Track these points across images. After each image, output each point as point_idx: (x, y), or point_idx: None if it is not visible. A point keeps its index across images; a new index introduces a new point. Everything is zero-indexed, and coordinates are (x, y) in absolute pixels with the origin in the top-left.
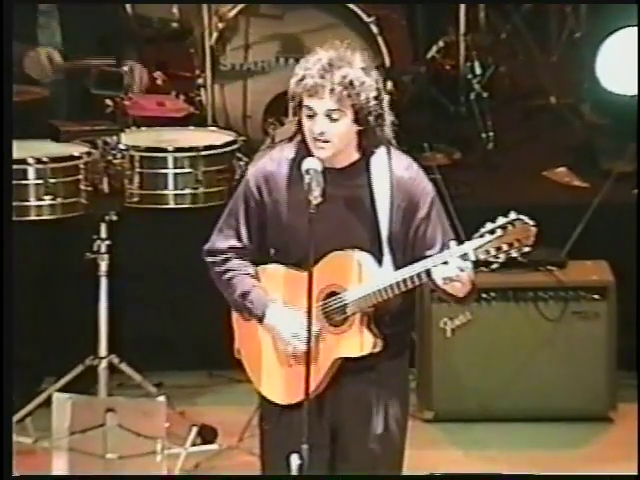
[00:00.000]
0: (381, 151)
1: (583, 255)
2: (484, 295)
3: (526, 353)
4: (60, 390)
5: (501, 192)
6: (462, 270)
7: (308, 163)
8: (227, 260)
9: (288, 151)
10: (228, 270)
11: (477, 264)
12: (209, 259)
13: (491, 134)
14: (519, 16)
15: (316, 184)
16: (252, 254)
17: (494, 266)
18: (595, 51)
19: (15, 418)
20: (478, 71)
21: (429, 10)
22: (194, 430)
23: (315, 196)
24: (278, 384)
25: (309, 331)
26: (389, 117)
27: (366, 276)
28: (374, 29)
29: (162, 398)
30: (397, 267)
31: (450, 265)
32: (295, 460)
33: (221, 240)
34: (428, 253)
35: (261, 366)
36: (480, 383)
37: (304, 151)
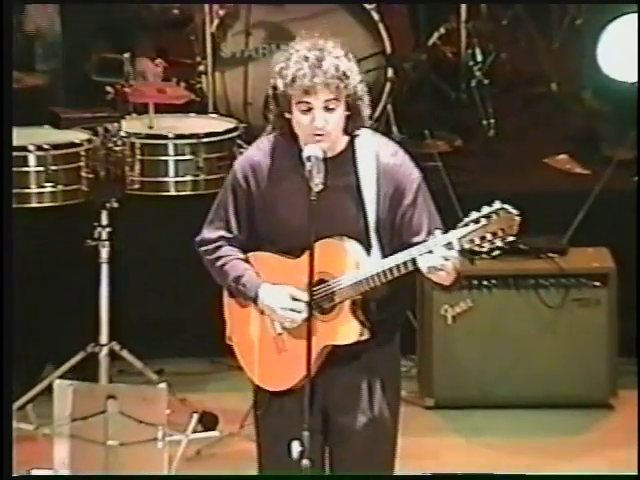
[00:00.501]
0: (365, 136)
1: (584, 242)
2: (485, 282)
3: (527, 340)
4: (61, 377)
5: (502, 179)
6: (447, 259)
7: (309, 150)
8: (218, 248)
9: (275, 141)
10: (220, 257)
11: (462, 253)
12: (201, 249)
13: (492, 121)
14: (520, 3)
15: (317, 171)
16: (242, 243)
17: (495, 253)
18: (596, 38)
19: (16, 405)
20: (479, 58)
21: None
22: (195, 417)
23: (316, 183)
24: (268, 371)
25: (309, 318)
26: (367, 97)
27: (354, 264)
28: (375, 16)
29: (163, 385)
30: (385, 254)
31: (435, 254)
32: (296, 447)
33: (211, 231)
34: (414, 240)
35: (252, 353)
36: (481, 370)
37: (289, 141)
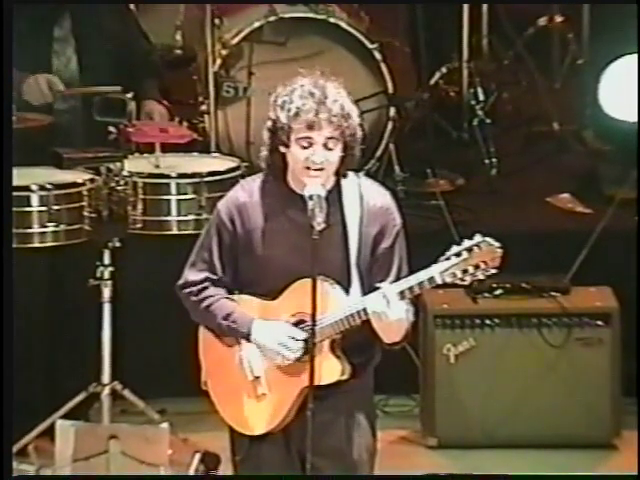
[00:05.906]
0: (352, 177)
1: (587, 281)
2: (487, 321)
3: (530, 379)
4: (63, 417)
5: (504, 218)
6: (388, 305)
7: (311, 189)
8: (204, 289)
9: (261, 182)
10: (206, 298)
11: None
12: (185, 291)
13: (494, 160)
14: (522, 42)
15: (319, 210)
16: (226, 285)
17: (497, 292)
18: (598, 77)
19: (17, 446)
20: (481, 97)
21: (432, 36)
22: (197, 457)
23: (319, 222)
24: (247, 415)
25: (313, 344)
26: (360, 141)
27: (333, 303)
28: (377, 55)
29: (165, 425)
30: (364, 294)
31: (383, 300)
32: None
33: (195, 273)
34: (379, 285)
35: (229, 398)
36: (484, 409)
37: (275, 181)
